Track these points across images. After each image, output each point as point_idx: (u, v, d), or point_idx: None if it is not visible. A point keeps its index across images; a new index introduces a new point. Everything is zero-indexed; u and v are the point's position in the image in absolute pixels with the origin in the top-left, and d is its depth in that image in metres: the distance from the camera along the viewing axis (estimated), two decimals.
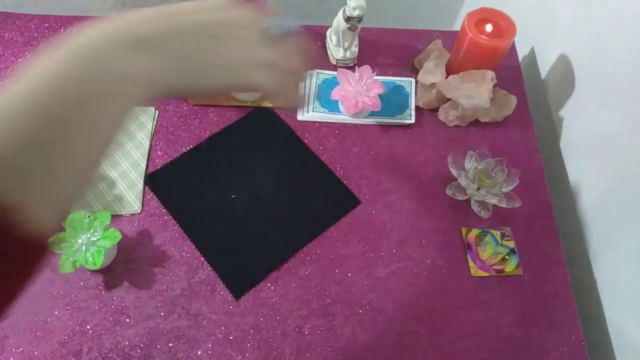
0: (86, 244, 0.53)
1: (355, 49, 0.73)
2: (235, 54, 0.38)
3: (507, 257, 0.60)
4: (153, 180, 0.63)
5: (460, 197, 0.63)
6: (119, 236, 0.54)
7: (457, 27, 0.84)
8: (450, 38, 0.77)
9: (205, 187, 0.63)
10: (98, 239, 0.54)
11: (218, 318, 0.55)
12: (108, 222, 0.55)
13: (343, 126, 0.69)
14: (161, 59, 0.34)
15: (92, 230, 0.54)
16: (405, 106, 0.71)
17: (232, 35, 0.38)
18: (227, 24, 0.38)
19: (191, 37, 0.36)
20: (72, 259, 0.52)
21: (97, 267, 0.53)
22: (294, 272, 0.58)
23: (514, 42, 0.76)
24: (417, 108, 0.71)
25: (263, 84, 0.39)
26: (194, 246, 0.59)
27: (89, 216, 0.54)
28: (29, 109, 0.28)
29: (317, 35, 0.77)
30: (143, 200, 0.61)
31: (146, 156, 0.64)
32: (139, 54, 0.33)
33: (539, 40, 0.79)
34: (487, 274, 0.59)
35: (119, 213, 0.60)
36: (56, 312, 0.54)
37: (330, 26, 0.74)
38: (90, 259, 0.53)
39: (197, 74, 0.37)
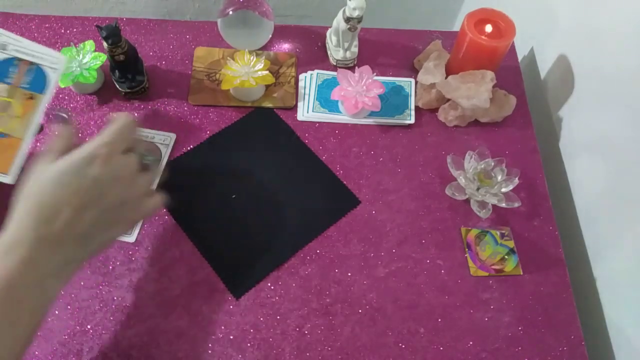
0: (80, 67, 0.65)
1: (355, 49, 0.73)
2: (126, 217, 0.48)
3: (506, 256, 0.60)
4: None
5: (460, 197, 0.63)
6: (103, 57, 0.66)
7: (456, 27, 0.84)
8: (450, 38, 0.77)
9: (205, 187, 0.63)
10: (89, 60, 0.66)
11: (218, 318, 0.55)
12: (93, 49, 0.67)
13: (343, 126, 0.69)
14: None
15: (81, 57, 0.66)
16: (405, 106, 0.71)
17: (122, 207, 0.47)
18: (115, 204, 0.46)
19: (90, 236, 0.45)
20: (70, 76, 0.64)
21: (94, 80, 0.65)
22: (294, 272, 0.58)
23: (513, 42, 0.76)
24: (417, 108, 0.71)
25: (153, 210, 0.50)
26: (194, 246, 0.59)
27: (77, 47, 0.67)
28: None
29: (317, 35, 0.77)
30: None
31: None
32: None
33: (538, 40, 0.79)
34: (486, 274, 0.59)
35: None
36: (57, 312, 0.54)
37: (330, 26, 0.74)
38: (87, 74, 0.65)
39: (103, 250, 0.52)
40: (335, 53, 0.74)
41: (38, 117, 0.51)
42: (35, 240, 0.42)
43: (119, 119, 0.49)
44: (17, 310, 0.41)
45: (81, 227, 0.44)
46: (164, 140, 0.65)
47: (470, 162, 0.63)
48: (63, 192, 0.43)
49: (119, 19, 0.68)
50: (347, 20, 0.68)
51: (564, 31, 0.72)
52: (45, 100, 0.51)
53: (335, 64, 0.74)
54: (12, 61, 0.50)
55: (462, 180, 0.63)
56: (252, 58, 0.68)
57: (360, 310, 0.57)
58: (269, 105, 0.70)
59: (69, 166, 0.44)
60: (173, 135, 0.66)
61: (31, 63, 0.51)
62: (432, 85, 0.69)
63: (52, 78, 0.52)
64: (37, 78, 0.52)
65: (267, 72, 0.68)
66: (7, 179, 0.50)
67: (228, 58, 0.69)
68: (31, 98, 0.52)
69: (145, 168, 0.50)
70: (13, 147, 0.51)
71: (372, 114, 0.70)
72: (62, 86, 0.65)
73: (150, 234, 0.59)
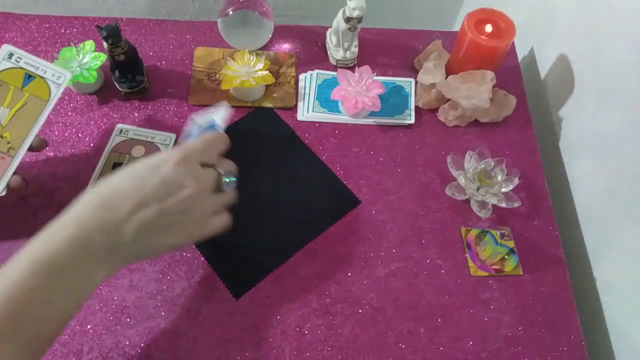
0: (80, 67, 0.65)
1: (355, 49, 0.73)
2: (190, 226, 0.48)
3: (506, 257, 0.60)
4: None
5: (460, 197, 0.64)
6: (103, 57, 0.66)
7: (456, 27, 0.84)
8: (450, 38, 0.77)
9: None
10: (89, 60, 0.66)
11: (218, 318, 0.55)
12: (93, 49, 0.67)
13: (343, 126, 0.69)
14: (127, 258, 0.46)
15: (81, 57, 0.66)
16: (404, 106, 0.71)
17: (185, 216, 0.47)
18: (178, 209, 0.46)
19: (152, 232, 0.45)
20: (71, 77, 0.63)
21: (94, 80, 0.65)
22: (294, 272, 0.58)
23: (513, 42, 0.76)
24: (417, 108, 0.71)
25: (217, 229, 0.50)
26: (194, 246, 0.59)
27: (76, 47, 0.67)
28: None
29: (317, 35, 0.77)
30: None
31: None
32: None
33: (538, 40, 0.79)
34: (486, 274, 0.59)
35: None
36: None
37: (330, 26, 0.74)
38: (87, 74, 0.65)
39: (149, 258, 0.53)
40: (335, 53, 0.74)
41: (36, 129, 0.53)
42: (88, 220, 0.43)
43: (211, 133, 0.52)
44: (55, 288, 0.41)
45: (135, 222, 0.44)
46: (164, 140, 0.65)
47: (470, 162, 0.63)
48: (130, 183, 0.45)
49: (119, 19, 0.68)
50: (347, 20, 0.68)
51: (564, 31, 0.72)
52: (47, 110, 0.54)
53: (335, 64, 0.74)
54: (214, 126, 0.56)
55: (462, 180, 0.63)
56: (252, 58, 0.68)
57: (360, 310, 0.57)
58: (269, 105, 0.70)
59: (146, 161, 0.46)
60: (173, 135, 0.66)
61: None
62: (432, 85, 0.69)
63: (55, 93, 0.55)
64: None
65: (267, 72, 0.68)
66: None
67: (228, 58, 0.69)
68: None
69: (220, 188, 0.51)
70: None
71: (372, 114, 0.70)
72: None
73: None
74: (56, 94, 0.54)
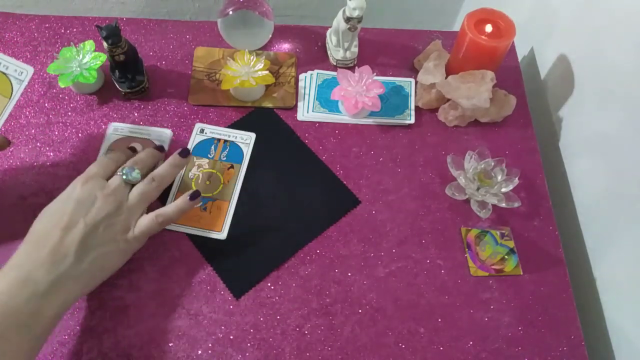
0: (80, 67, 0.65)
1: (355, 49, 0.73)
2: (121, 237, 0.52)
3: (506, 256, 0.60)
4: None
5: (460, 197, 0.64)
6: (103, 57, 0.66)
7: (456, 27, 0.84)
8: (450, 38, 0.77)
9: None
10: (89, 60, 0.66)
11: (218, 318, 0.55)
12: (93, 49, 0.67)
13: (343, 126, 0.69)
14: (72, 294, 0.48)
15: (81, 57, 0.66)
16: (404, 106, 0.71)
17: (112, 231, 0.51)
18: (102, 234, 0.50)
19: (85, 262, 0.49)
20: (70, 76, 0.64)
21: (94, 80, 0.64)
22: (294, 272, 0.58)
23: (513, 42, 0.76)
24: (417, 108, 0.71)
25: (154, 227, 0.54)
26: (194, 246, 0.59)
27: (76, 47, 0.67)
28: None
29: (317, 35, 0.77)
30: None
31: None
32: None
33: (538, 40, 0.79)
34: (486, 274, 0.59)
35: None
36: None
37: (330, 26, 0.74)
38: (87, 74, 0.64)
39: (105, 274, 0.52)
40: (335, 53, 0.74)
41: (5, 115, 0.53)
42: (25, 261, 0.46)
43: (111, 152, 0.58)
44: (8, 329, 0.43)
45: (70, 243, 0.48)
46: (160, 136, 0.65)
47: (470, 162, 0.63)
48: (52, 218, 0.49)
49: (119, 19, 0.68)
50: (347, 20, 0.68)
51: (564, 31, 0.72)
52: (9, 107, 0.54)
53: (335, 64, 0.74)
54: (211, 141, 0.63)
55: (462, 180, 0.63)
56: (252, 58, 0.68)
57: (360, 310, 0.57)
58: (269, 105, 0.70)
59: (58, 197, 0.51)
60: (169, 132, 0.66)
61: (225, 141, 0.64)
62: (432, 85, 0.69)
63: (17, 89, 0.54)
64: (233, 151, 0.64)
65: (267, 72, 0.68)
66: (222, 236, 0.59)
67: (228, 58, 0.69)
68: (231, 167, 0.63)
69: (131, 184, 0.55)
70: (223, 208, 0.60)
71: (372, 114, 0.70)
72: (62, 86, 0.65)
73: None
74: (18, 90, 0.53)
